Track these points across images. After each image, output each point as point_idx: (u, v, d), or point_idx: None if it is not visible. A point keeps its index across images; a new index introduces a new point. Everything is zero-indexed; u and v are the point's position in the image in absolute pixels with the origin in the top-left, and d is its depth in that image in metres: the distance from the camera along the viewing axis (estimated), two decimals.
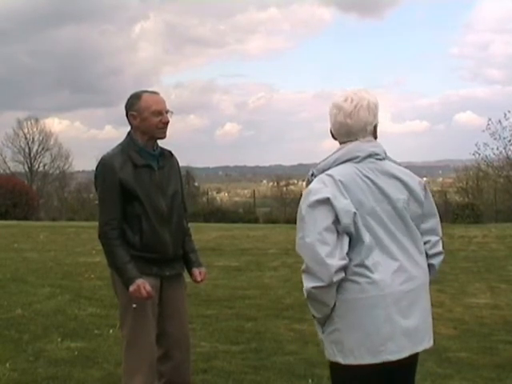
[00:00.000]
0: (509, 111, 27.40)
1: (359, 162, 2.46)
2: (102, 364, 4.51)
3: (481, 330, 5.62)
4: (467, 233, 15.71)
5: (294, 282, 7.77)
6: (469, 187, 33.26)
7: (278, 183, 44.98)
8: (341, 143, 2.55)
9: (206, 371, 4.37)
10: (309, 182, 2.50)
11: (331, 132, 2.58)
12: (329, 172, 2.44)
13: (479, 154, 28.35)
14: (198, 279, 3.41)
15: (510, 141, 27.64)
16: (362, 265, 2.38)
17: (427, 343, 2.52)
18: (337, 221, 2.35)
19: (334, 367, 2.48)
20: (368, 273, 2.37)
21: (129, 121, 3.22)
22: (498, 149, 27.79)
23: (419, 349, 2.48)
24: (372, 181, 2.44)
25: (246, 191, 52.71)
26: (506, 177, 28.87)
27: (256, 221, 27.01)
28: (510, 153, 28.08)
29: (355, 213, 2.37)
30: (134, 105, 3.19)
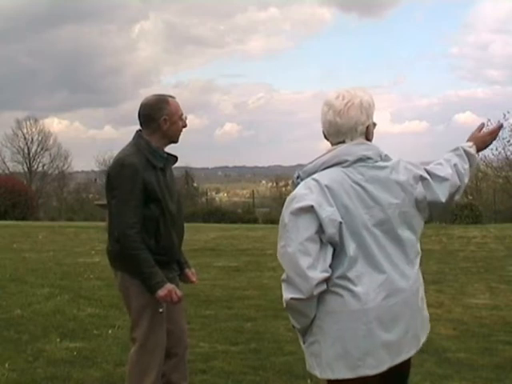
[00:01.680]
0: (508, 112, 27.45)
1: (348, 166, 2.33)
2: (101, 364, 4.51)
3: (480, 331, 5.62)
4: (466, 233, 15.70)
5: None
6: (468, 187, 33.29)
7: (277, 183, 45.11)
8: (332, 144, 2.42)
9: (205, 371, 4.37)
10: (294, 185, 2.38)
11: (323, 132, 2.47)
12: (315, 176, 2.31)
13: (478, 155, 28.33)
14: (193, 279, 3.45)
15: (509, 141, 27.67)
16: (345, 277, 2.26)
17: (406, 354, 2.37)
18: (321, 230, 2.23)
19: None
20: (350, 285, 2.26)
21: (155, 125, 3.15)
22: (497, 149, 27.78)
23: (398, 361, 2.34)
24: (361, 186, 2.31)
25: (245, 191, 52.85)
26: (505, 177, 28.89)
27: (255, 221, 27.02)
28: (509, 153, 28.12)
29: (341, 222, 2.25)
30: (164, 109, 3.15)
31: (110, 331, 5.40)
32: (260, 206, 36.27)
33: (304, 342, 2.40)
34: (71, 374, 4.29)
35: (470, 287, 7.92)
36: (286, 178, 46.21)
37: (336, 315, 2.28)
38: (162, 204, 3.12)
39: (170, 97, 3.23)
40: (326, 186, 2.27)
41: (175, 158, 3.34)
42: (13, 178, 32.13)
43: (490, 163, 29.03)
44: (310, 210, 2.23)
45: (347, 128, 2.37)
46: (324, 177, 2.30)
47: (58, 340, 5.12)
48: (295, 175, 2.40)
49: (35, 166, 42.95)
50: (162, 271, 3.12)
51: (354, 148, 2.36)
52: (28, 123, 43.25)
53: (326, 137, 2.46)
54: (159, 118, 3.15)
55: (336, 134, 2.39)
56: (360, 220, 2.29)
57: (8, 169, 41.51)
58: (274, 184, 45.67)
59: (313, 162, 2.38)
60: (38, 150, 43.11)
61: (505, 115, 27.30)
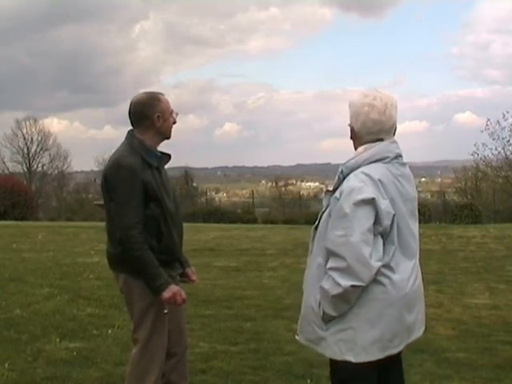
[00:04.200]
0: (507, 112, 27.46)
1: (388, 162, 2.53)
2: (100, 364, 4.51)
3: (480, 331, 5.62)
4: (466, 233, 15.69)
5: (292, 283, 7.77)
6: (467, 187, 33.29)
7: (276, 183, 45.09)
8: (364, 143, 2.57)
9: (204, 371, 4.37)
10: (339, 180, 2.52)
11: (353, 130, 2.60)
12: (364, 170, 2.46)
13: (478, 155, 28.32)
14: (193, 278, 3.44)
15: (508, 141, 27.69)
16: (388, 266, 2.44)
17: (417, 333, 2.62)
18: (376, 222, 2.40)
19: (338, 365, 2.51)
20: (391, 274, 2.45)
21: (148, 122, 3.14)
22: (496, 149, 27.85)
23: (411, 339, 2.60)
24: (399, 181, 2.53)
25: (244, 191, 52.86)
26: (505, 177, 28.87)
27: (255, 221, 26.99)
28: (508, 153, 28.13)
29: (394, 214, 2.44)
30: (156, 106, 3.15)
31: (109, 331, 5.39)
32: (259, 205, 36.20)
33: (327, 330, 2.51)
34: (71, 374, 4.28)
35: (469, 287, 7.92)
36: (285, 178, 46.27)
37: (375, 302, 2.45)
38: (161, 203, 3.10)
39: (160, 94, 3.23)
40: (379, 180, 2.45)
41: (169, 157, 3.32)
42: (12, 178, 32.12)
43: (490, 163, 29.02)
44: (371, 202, 2.39)
45: (389, 126, 2.57)
46: (374, 171, 2.47)
47: (58, 340, 5.12)
48: (339, 169, 2.55)
49: (35, 166, 42.98)
50: (167, 270, 3.10)
51: (391, 146, 2.57)
52: (28, 123, 43.32)
53: (357, 135, 2.60)
54: (152, 116, 3.14)
55: (378, 132, 2.56)
56: (401, 212, 2.50)
57: (8, 169, 41.56)
58: (274, 184, 45.60)
59: (354, 157, 2.55)
60: (38, 150, 43.18)
61: (504, 115, 27.38)
